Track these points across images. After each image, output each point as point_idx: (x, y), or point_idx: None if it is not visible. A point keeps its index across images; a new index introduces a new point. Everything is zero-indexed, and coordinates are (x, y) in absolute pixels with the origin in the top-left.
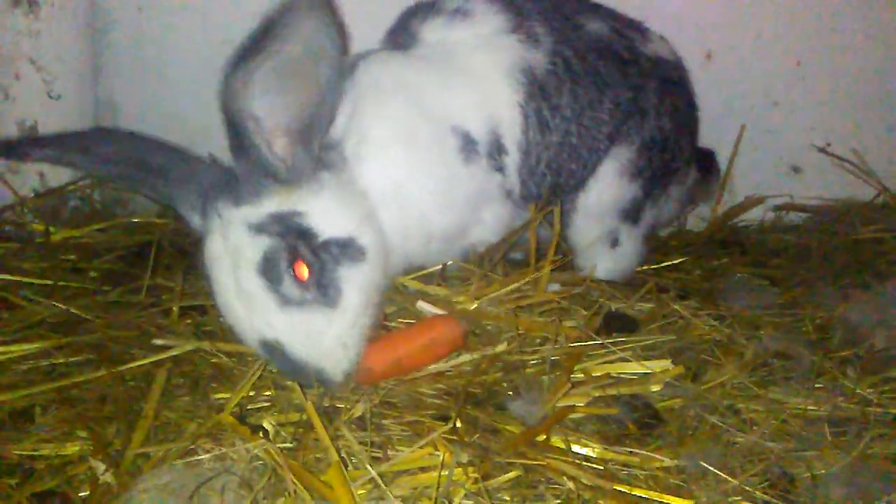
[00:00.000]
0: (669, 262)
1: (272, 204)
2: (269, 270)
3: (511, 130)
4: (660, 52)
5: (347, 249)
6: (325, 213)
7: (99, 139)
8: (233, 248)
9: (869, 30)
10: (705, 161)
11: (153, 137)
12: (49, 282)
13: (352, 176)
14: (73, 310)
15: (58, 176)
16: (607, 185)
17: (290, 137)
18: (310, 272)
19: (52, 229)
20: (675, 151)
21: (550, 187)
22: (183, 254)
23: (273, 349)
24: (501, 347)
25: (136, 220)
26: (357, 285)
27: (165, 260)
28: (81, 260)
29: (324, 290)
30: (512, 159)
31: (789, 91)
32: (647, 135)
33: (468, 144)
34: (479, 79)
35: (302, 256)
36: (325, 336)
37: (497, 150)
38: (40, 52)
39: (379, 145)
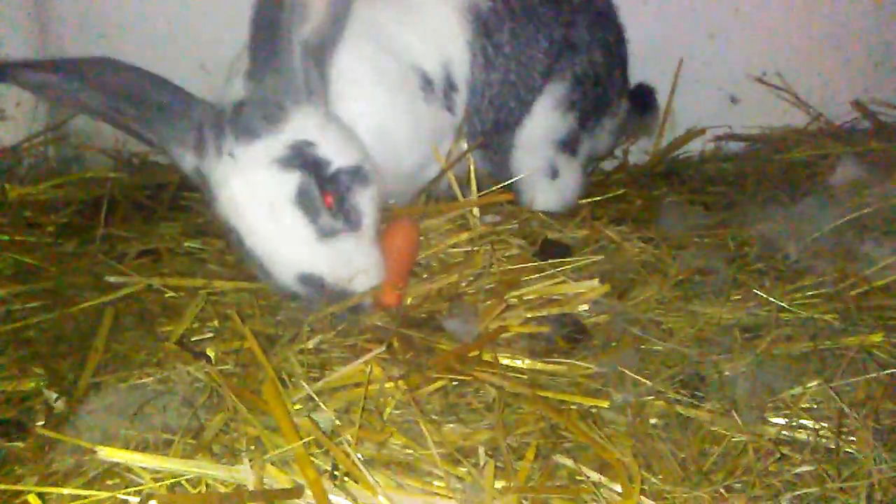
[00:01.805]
0: (612, 194)
1: (289, 133)
2: (306, 204)
3: (460, 69)
4: None
5: (357, 176)
6: (332, 143)
7: (97, 67)
8: (260, 187)
9: None
10: (644, 97)
11: (150, 72)
12: (5, 237)
13: (337, 112)
14: (28, 260)
15: (12, 135)
16: (544, 119)
17: (309, 52)
18: (332, 200)
19: (8, 187)
20: (606, 84)
21: (492, 123)
22: (137, 206)
23: (313, 281)
24: (443, 282)
25: (90, 176)
26: (370, 208)
27: (120, 212)
28: (38, 215)
29: (347, 215)
30: (461, 97)
31: (725, 23)
32: (579, 69)
33: (427, 83)
34: (431, 17)
35: (325, 186)
36: (358, 260)
37: (450, 88)
38: None
39: (358, 84)
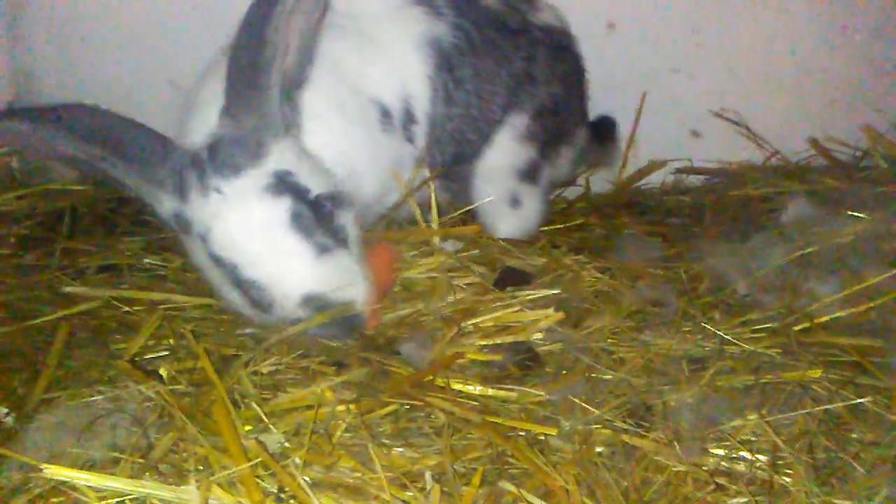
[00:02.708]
0: (573, 223)
1: (271, 164)
2: (300, 225)
3: (421, 102)
4: (548, 21)
5: (337, 200)
6: (306, 173)
7: (74, 113)
8: (254, 216)
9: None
10: (606, 128)
11: (124, 116)
12: None
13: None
14: None
15: None
16: (505, 150)
17: (284, 86)
18: (319, 222)
19: None
20: (566, 115)
21: (453, 154)
22: (100, 219)
23: (316, 302)
24: (409, 309)
25: (54, 188)
26: (354, 227)
27: (83, 225)
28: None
29: (336, 235)
30: (421, 129)
31: (688, 58)
32: (539, 101)
33: (385, 116)
34: (391, 51)
35: (310, 210)
36: (354, 275)
37: (409, 120)
38: None
39: (320, 116)
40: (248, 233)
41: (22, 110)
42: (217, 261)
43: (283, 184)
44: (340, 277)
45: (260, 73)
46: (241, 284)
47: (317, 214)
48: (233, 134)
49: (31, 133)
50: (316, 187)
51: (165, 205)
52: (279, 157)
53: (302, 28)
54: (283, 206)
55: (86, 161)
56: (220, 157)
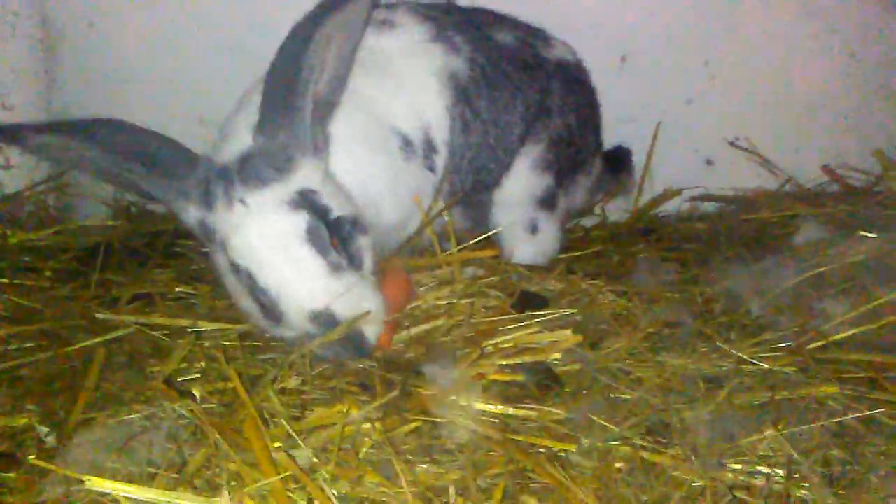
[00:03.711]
0: (590, 250)
1: (296, 181)
2: (316, 241)
3: (440, 132)
4: (561, 56)
5: (356, 224)
6: (332, 194)
7: (105, 128)
8: (273, 227)
9: (770, 30)
10: (621, 158)
11: (151, 130)
12: (5, 280)
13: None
14: (25, 303)
15: (15, 182)
16: (522, 179)
17: (317, 107)
18: (337, 243)
19: (8, 233)
20: (580, 144)
21: (472, 183)
22: (133, 253)
23: (323, 318)
24: (426, 326)
25: (88, 224)
26: (370, 253)
27: (116, 258)
28: (37, 260)
29: (351, 257)
30: (441, 158)
31: (700, 89)
32: (554, 132)
33: (407, 145)
34: (411, 84)
35: (329, 230)
36: (365, 298)
37: (429, 149)
38: None
39: (343, 144)
40: (265, 242)
41: (57, 125)
42: (235, 269)
43: (305, 200)
44: (351, 298)
45: (295, 93)
46: (256, 292)
47: (335, 234)
48: (264, 149)
49: (66, 147)
50: (337, 209)
51: (191, 213)
52: (305, 174)
53: (337, 53)
54: (300, 220)
55: (116, 173)
56: (249, 170)
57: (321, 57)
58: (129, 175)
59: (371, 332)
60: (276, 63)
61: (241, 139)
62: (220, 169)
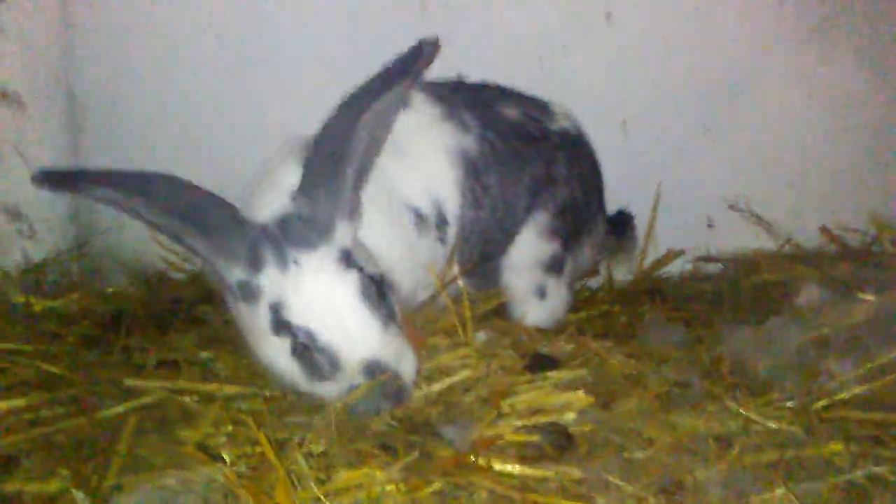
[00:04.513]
0: (598, 311)
1: (338, 242)
2: (368, 297)
3: (451, 206)
4: (565, 127)
5: (385, 281)
6: (363, 255)
7: (158, 183)
8: (330, 286)
9: (763, 97)
10: (623, 222)
11: (203, 188)
12: (30, 347)
13: None
14: (53, 369)
15: (41, 252)
16: (530, 246)
17: (356, 174)
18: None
19: (33, 300)
20: (585, 210)
21: (481, 253)
22: (154, 319)
23: (377, 368)
24: (440, 386)
25: (110, 290)
26: (399, 308)
27: (137, 324)
28: (60, 327)
29: (390, 311)
30: (452, 230)
31: (698, 154)
32: (560, 200)
33: (420, 220)
34: (424, 161)
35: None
36: (404, 349)
37: (441, 223)
38: (23, 140)
39: (366, 216)
40: (324, 301)
41: (113, 176)
42: (287, 328)
43: (349, 260)
44: (395, 348)
45: (341, 162)
46: (312, 349)
47: (374, 289)
48: (306, 213)
49: (119, 199)
50: (370, 268)
51: (234, 274)
52: (343, 236)
53: (380, 125)
54: (353, 278)
55: (165, 226)
56: (294, 233)
57: (369, 130)
58: (177, 230)
59: (410, 379)
60: (326, 131)
61: (277, 202)
62: (265, 231)
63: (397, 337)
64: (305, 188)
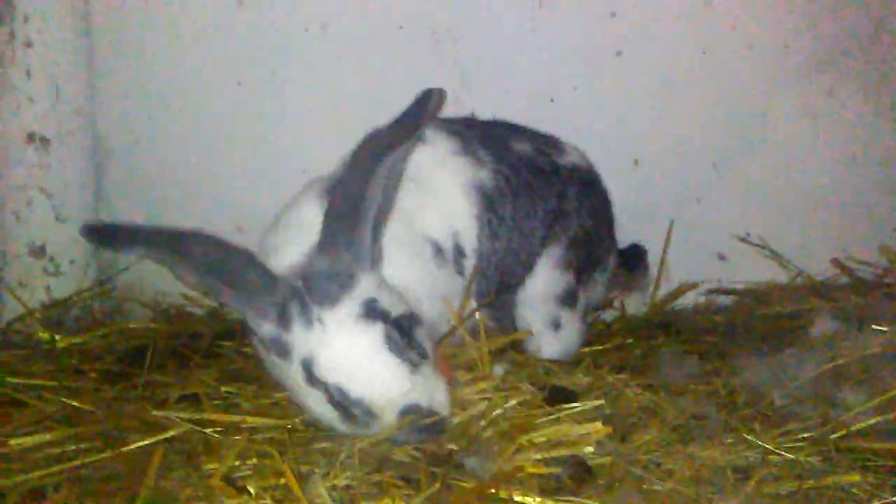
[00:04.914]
0: (612, 344)
1: (360, 293)
2: (394, 345)
3: (469, 239)
4: (575, 161)
5: (413, 319)
6: (386, 298)
7: (191, 240)
8: (355, 341)
9: (771, 132)
10: (636, 255)
11: (236, 246)
12: (54, 383)
13: None
14: (76, 404)
15: (64, 288)
16: (544, 278)
17: (374, 226)
18: (404, 341)
19: (56, 337)
20: (596, 242)
21: (498, 284)
22: (174, 354)
23: (413, 411)
24: (463, 416)
25: (132, 326)
26: (428, 343)
27: (158, 359)
28: (83, 363)
29: (418, 349)
30: (470, 263)
31: (710, 189)
32: (572, 233)
33: (439, 252)
34: (441, 195)
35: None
36: (438, 384)
37: (459, 255)
38: (49, 181)
39: (387, 252)
40: (351, 356)
41: (149, 233)
42: (320, 384)
43: (373, 310)
44: (428, 387)
45: (358, 217)
46: (346, 403)
47: (400, 333)
48: (328, 269)
49: (154, 255)
50: (394, 310)
51: (266, 330)
52: (366, 286)
53: (392, 177)
54: (377, 331)
55: (199, 282)
56: (318, 290)
57: (383, 181)
58: (210, 286)
59: (444, 412)
60: (342, 187)
61: (301, 251)
62: (292, 289)
63: (429, 374)
64: (326, 244)
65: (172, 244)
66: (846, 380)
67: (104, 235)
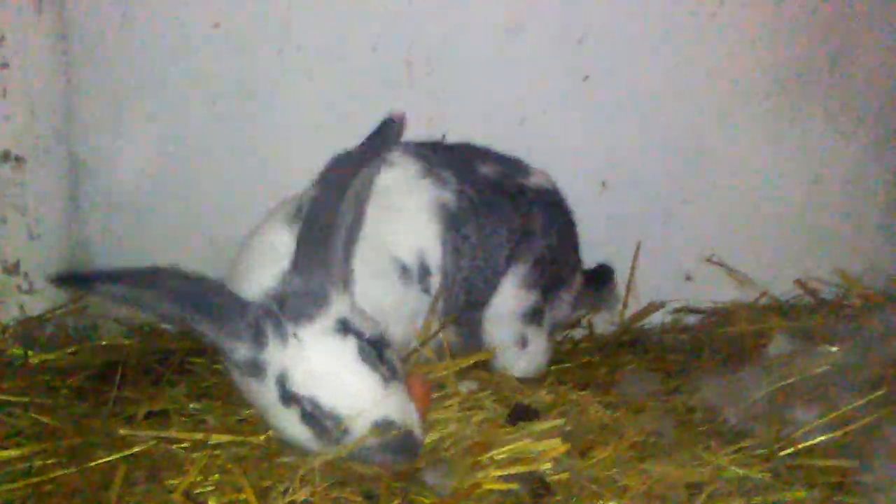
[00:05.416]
0: (579, 362)
1: (334, 312)
2: (367, 359)
3: (434, 257)
4: (540, 183)
5: (383, 340)
6: (358, 320)
7: (162, 275)
8: (330, 353)
9: (736, 156)
10: (603, 275)
11: (205, 276)
12: (26, 399)
13: None
14: (46, 420)
15: (38, 306)
16: (510, 297)
17: (344, 247)
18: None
19: (29, 353)
20: (562, 262)
21: (463, 303)
22: (145, 370)
23: (384, 426)
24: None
25: (105, 343)
26: (399, 364)
27: (130, 376)
28: (55, 379)
29: (391, 368)
30: (435, 281)
31: (676, 210)
32: (538, 252)
33: (405, 272)
34: (406, 216)
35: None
36: (408, 403)
37: (425, 273)
38: (24, 199)
39: (356, 272)
40: (325, 367)
41: (123, 274)
42: (293, 399)
43: (347, 327)
44: (399, 403)
45: (330, 238)
46: (319, 415)
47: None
48: (303, 288)
49: (128, 294)
50: (367, 331)
51: (240, 353)
52: (339, 307)
53: (360, 198)
54: (351, 344)
55: (172, 315)
56: (292, 308)
57: (352, 203)
58: (185, 317)
59: (418, 431)
60: (313, 209)
61: (273, 275)
62: (265, 309)
63: (400, 392)
64: (300, 264)
65: (146, 280)
66: (797, 398)
67: (77, 282)
